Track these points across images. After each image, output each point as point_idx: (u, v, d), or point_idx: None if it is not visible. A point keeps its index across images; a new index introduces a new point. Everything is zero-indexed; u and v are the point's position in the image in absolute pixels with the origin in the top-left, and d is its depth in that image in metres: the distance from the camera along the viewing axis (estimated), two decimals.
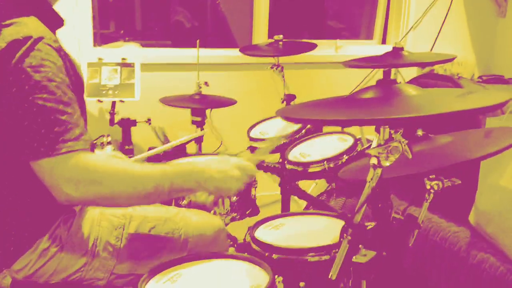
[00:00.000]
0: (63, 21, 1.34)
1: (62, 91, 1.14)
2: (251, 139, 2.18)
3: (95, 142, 2.28)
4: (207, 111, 2.43)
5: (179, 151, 2.28)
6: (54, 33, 1.31)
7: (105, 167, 1.15)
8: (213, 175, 1.26)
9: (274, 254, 1.36)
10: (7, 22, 1.17)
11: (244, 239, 1.48)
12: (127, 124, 2.44)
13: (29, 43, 1.13)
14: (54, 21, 1.31)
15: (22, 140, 1.11)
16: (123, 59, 2.42)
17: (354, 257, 1.09)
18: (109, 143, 2.26)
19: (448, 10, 3.18)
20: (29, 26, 1.17)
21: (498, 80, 2.69)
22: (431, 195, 1.22)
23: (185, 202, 1.64)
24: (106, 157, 1.18)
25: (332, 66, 3.01)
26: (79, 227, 1.31)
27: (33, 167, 1.13)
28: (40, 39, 1.15)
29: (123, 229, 1.36)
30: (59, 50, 1.19)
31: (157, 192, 1.19)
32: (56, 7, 1.33)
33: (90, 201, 1.18)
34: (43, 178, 1.12)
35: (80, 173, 1.12)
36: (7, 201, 1.22)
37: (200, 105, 2.35)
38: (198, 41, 2.39)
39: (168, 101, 2.30)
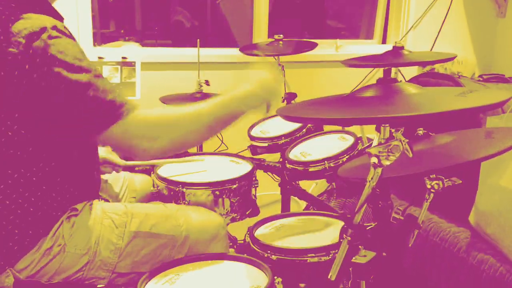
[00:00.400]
0: (63, 19, 1.34)
1: (93, 66, 1.21)
2: (252, 138, 2.18)
3: None
4: None
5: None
6: None
7: (174, 113, 1.26)
8: (257, 86, 1.36)
9: (273, 255, 1.36)
10: (14, 18, 1.17)
11: (244, 240, 1.48)
12: None
13: (46, 32, 1.15)
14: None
15: (83, 120, 1.17)
16: (123, 58, 2.42)
17: (353, 257, 1.09)
18: None
19: (448, 10, 3.18)
20: (39, 18, 1.19)
21: (498, 79, 2.68)
22: (432, 195, 1.22)
23: (185, 202, 1.64)
24: (165, 108, 1.27)
25: (333, 65, 3.00)
26: (81, 226, 1.31)
27: (104, 138, 1.20)
28: (54, 27, 1.18)
29: (125, 227, 1.35)
30: (71, 36, 1.23)
31: (217, 123, 1.31)
32: (55, 5, 1.33)
33: (167, 149, 1.26)
34: (118, 143, 1.22)
35: (150, 126, 1.22)
36: (11, 200, 1.22)
37: None
38: (198, 40, 2.38)
39: (169, 100, 2.30)
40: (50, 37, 1.15)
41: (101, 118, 1.18)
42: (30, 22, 1.16)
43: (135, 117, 1.20)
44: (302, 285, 1.39)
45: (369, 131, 2.26)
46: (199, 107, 1.29)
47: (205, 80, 2.36)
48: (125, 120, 1.18)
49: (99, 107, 1.17)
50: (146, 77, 2.48)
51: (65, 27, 1.22)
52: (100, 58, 2.41)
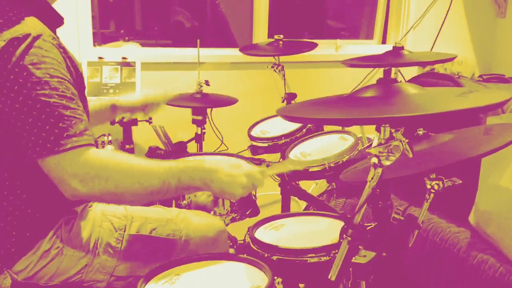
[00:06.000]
0: (63, 19, 1.34)
1: (65, 86, 1.15)
2: (252, 138, 2.18)
3: (96, 140, 2.28)
4: (208, 110, 2.43)
5: (180, 150, 2.28)
6: (54, 32, 1.31)
7: (111, 162, 1.16)
8: (221, 177, 1.24)
9: (273, 255, 1.36)
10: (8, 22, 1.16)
11: (244, 240, 1.48)
12: (127, 123, 2.43)
13: (28, 40, 1.13)
14: (53, 20, 1.31)
15: (28, 137, 1.11)
16: (123, 58, 2.42)
17: (353, 258, 1.09)
18: (110, 142, 2.26)
19: (448, 10, 3.18)
20: (28, 24, 1.17)
21: (498, 79, 2.68)
22: (432, 195, 1.22)
23: (185, 202, 1.64)
24: (112, 153, 1.17)
25: (333, 65, 3.00)
26: (80, 228, 1.31)
27: (39, 163, 1.13)
28: (38, 36, 1.15)
29: (124, 231, 1.35)
30: (59, 47, 1.19)
31: (164, 188, 1.19)
32: (56, 6, 1.33)
33: (96, 197, 1.18)
34: (50, 174, 1.13)
35: (86, 168, 1.12)
36: (8, 201, 1.21)
37: (201, 104, 2.34)
38: (198, 40, 2.38)
39: (169, 100, 2.29)
40: (29, 46, 1.12)
41: (41, 143, 1.10)
42: (16, 27, 1.15)
43: (78, 154, 1.12)
44: (301, 285, 1.39)
45: (369, 131, 2.27)
46: (152, 164, 1.20)
47: (205, 80, 2.36)
48: (64, 154, 1.10)
49: (43, 130, 1.10)
50: (146, 78, 2.48)
51: (53, 37, 1.18)
52: (100, 58, 2.41)
